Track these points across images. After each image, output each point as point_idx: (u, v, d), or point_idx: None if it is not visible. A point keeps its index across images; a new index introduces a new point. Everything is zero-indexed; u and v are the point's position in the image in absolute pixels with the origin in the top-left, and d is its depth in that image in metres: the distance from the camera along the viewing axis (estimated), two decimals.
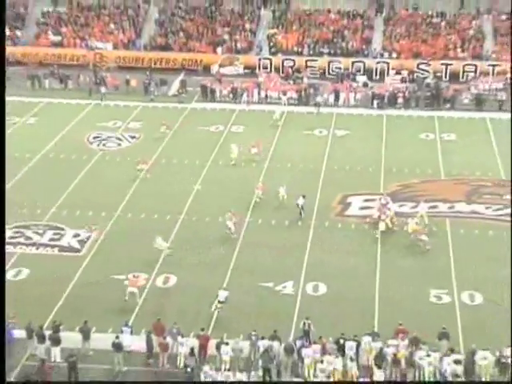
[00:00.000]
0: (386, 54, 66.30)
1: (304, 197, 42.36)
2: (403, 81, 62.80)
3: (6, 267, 37.17)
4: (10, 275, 36.72)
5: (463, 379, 29.36)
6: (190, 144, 52.21)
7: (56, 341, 31.16)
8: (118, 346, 30.75)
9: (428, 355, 30.12)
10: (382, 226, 40.68)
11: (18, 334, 31.86)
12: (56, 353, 31.03)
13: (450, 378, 29.48)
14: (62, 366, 30.36)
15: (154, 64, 67.07)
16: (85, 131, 54.34)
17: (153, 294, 35.60)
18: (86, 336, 31.66)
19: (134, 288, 34.83)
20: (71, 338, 31.58)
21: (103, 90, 61.63)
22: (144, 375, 30.51)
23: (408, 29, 68.76)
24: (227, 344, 30.65)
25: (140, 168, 47.37)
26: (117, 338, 30.94)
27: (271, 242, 40.07)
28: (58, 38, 69.76)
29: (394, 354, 30.16)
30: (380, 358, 30.20)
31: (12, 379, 30.14)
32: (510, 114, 55.31)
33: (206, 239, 40.06)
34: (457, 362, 29.87)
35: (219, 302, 33.78)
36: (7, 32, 69.72)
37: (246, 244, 39.86)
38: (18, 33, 70.68)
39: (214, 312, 33.71)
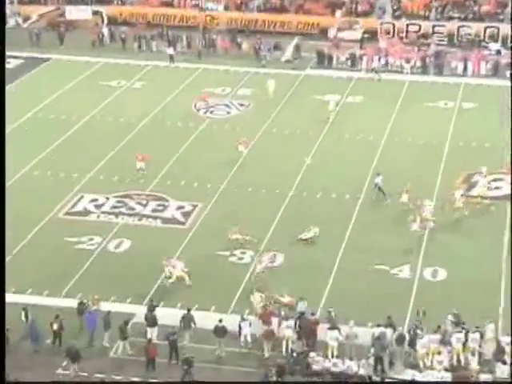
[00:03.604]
0: None
1: (379, 174, 41.65)
2: None
3: (108, 238, 38.24)
4: (111, 246, 37.68)
5: None
6: (302, 114, 52.10)
7: (152, 321, 31.18)
8: (220, 331, 30.54)
9: None
10: None
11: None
12: (153, 333, 31.00)
13: None
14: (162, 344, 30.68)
15: (268, 27, 67.21)
16: (192, 97, 54.81)
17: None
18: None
19: None
20: (171, 316, 31.87)
21: (170, 51, 61.33)
22: (246, 358, 30.56)
23: None
24: (336, 329, 30.42)
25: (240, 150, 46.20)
26: (220, 321, 30.81)
27: (387, 222, 39.79)
28: None
29: None
30: (500, 350, 29.62)
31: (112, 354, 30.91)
32: None
33: (316, 216, 39.90)
34: None
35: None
36: None
37: (359, 223, 39.72)
38: None
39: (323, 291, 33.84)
